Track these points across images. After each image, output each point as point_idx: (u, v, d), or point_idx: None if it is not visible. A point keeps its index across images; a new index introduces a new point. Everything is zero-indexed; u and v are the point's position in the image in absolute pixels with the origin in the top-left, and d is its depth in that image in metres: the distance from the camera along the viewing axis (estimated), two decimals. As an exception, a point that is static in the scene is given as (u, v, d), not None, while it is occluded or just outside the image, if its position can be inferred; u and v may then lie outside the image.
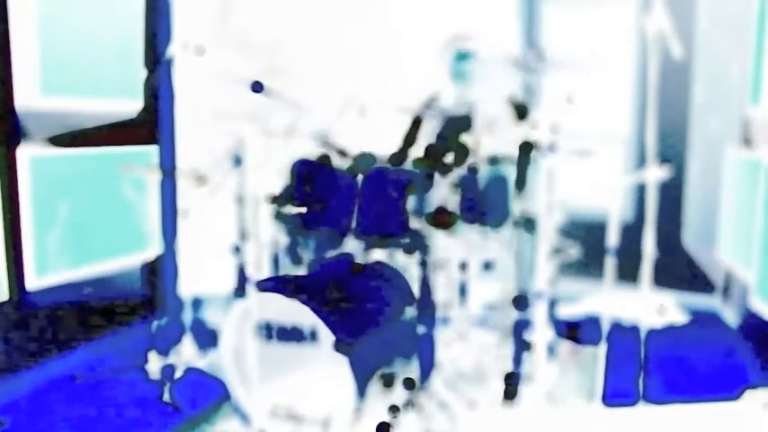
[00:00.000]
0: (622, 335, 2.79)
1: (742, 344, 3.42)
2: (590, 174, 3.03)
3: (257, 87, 2.69)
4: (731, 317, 3.75)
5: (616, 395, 2.68)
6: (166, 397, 2.74)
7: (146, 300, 3.59)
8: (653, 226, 2.51)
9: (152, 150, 3.54)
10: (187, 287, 3.50)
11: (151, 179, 3.48)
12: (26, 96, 2.88)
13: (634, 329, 2.59)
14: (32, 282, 2.96)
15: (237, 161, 2.86)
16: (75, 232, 3.15)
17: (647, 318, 2.56)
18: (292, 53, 3.51)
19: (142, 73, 3.44)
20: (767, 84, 3.24)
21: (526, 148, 2.69)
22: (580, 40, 3.93)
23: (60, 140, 3.05)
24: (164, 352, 3.03)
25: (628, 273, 2.70)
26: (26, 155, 2.90)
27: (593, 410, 2.58)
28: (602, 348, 2.73)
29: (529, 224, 2.72)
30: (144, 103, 3.47)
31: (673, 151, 3.87)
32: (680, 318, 3.56)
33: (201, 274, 3.44)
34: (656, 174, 2.53)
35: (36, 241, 2.96)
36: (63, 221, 3.09)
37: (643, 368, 2.52)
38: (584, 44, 3.85)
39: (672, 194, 3.86)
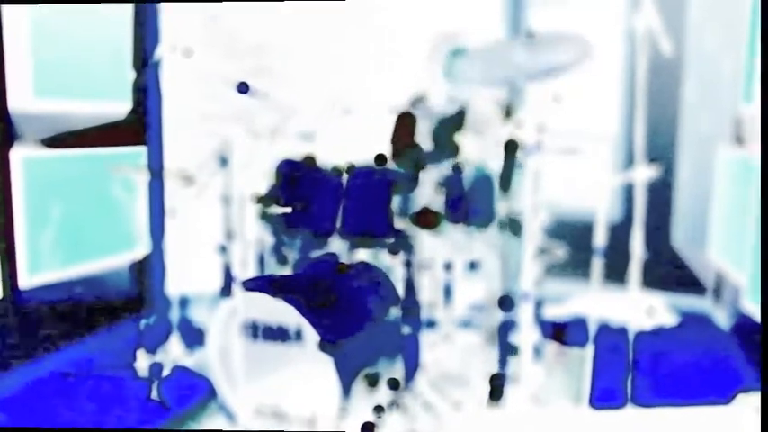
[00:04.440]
0: (610, 336, 2.77)
1: (733, 346, 3.38)
2: (577, 173, 3.01)
3: (243, 89, 2.70)
4: (722, 319, 3.71)
5: (603, 397, 2.66)
6: (154, 394, 2.76)
7: (134, 298, 3.62)
8: (641, 226, 2.49)
9: (141, 151, 3.57)
10: (174, 286, 3.52)
11: (140, 180, 3.50)
12: (20, 98, 2.91)
13: (622, 331, 2.57)
14: (25, 280, 2.99)
15: (224, 162, 2.89)
16: (67, 232, 3.18)
17: (635, 319, 2.54)
18: (278, 54, 3.52)
19: (131, 75, 3.47)
20: (759, 82, 3.21)
21: (511, 148, 2.68)
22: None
23: (52, 142, 3.08)
24: (152, 350, 3.05)
25: (616, 273, 2.68)
26: (19, 156, 2.94)
27: (579, 413, 2.56)
28: (590, 350, 2.71)
29: (514, 225, 2.71)
30: (132, 105, 3.50)
31: (662, 150, 3.81)
32: (669, 319, 3.52)
33: (188, 274, 3.46)
34: (644, 173, 2.50)
35: (29, 241, 2.99)
36: (55, 221, 3.12)
37: (631, 370, 2.50)
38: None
39: (661, 194, 3.81)
